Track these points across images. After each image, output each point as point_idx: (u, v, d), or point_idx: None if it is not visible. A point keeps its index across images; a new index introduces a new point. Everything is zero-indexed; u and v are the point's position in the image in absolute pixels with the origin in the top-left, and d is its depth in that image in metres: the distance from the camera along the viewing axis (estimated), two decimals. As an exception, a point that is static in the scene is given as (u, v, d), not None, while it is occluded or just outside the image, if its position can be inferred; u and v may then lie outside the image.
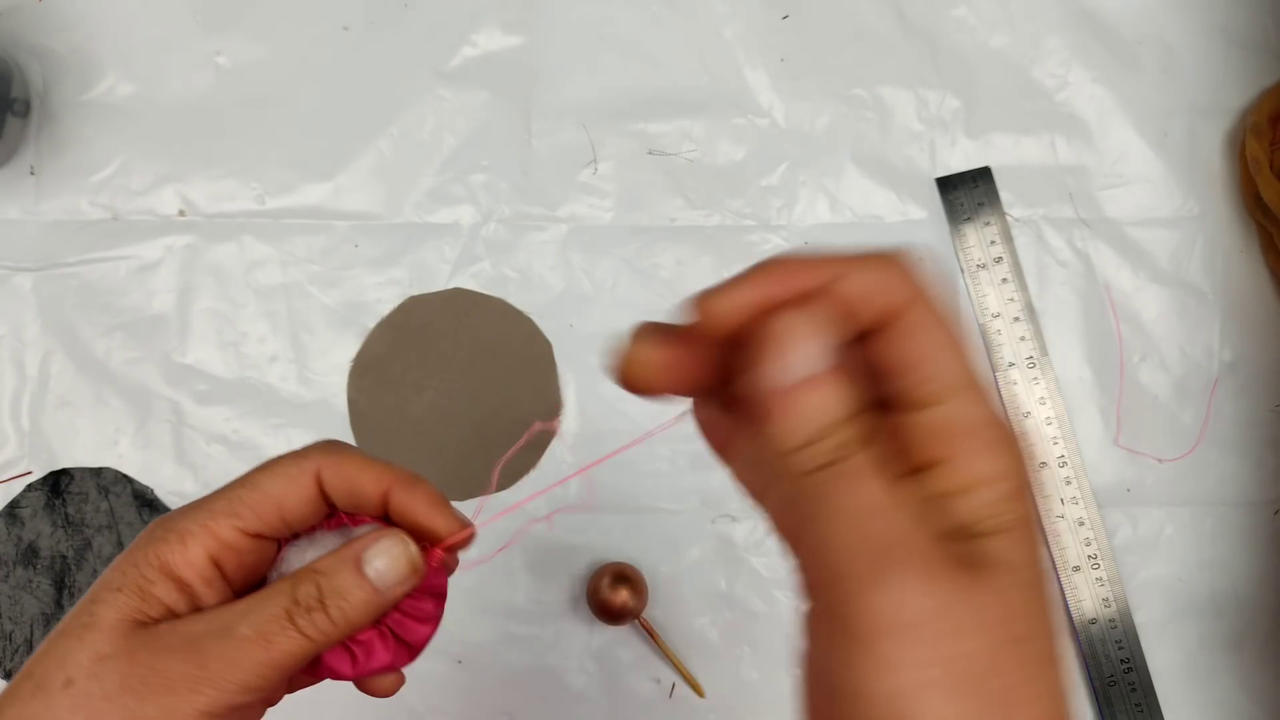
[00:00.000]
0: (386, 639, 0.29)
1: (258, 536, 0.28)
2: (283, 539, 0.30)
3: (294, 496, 0.28)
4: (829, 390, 0.22)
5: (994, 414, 0.23)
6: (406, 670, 0.30)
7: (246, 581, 0.29)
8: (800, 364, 0.22)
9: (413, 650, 0.29)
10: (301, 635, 0.26)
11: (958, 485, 0.23)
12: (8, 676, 0.56)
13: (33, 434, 0.57)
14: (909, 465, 0.23)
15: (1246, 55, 0.58)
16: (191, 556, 0.27)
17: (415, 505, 0.28)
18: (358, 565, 0.27)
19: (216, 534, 0.28)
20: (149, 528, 0.28)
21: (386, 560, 0.27)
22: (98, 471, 0.57)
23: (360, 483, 0.28)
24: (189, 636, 0.26)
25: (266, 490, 0.28)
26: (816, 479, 0.22)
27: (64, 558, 0.56)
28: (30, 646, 0.56)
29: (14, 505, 0.57)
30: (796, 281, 0.23)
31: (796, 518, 0.23)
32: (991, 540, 0.22)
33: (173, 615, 0.27)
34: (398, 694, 0.55)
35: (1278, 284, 0.58)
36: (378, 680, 0.30)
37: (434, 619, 0.29)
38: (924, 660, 0.21)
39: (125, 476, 0.57)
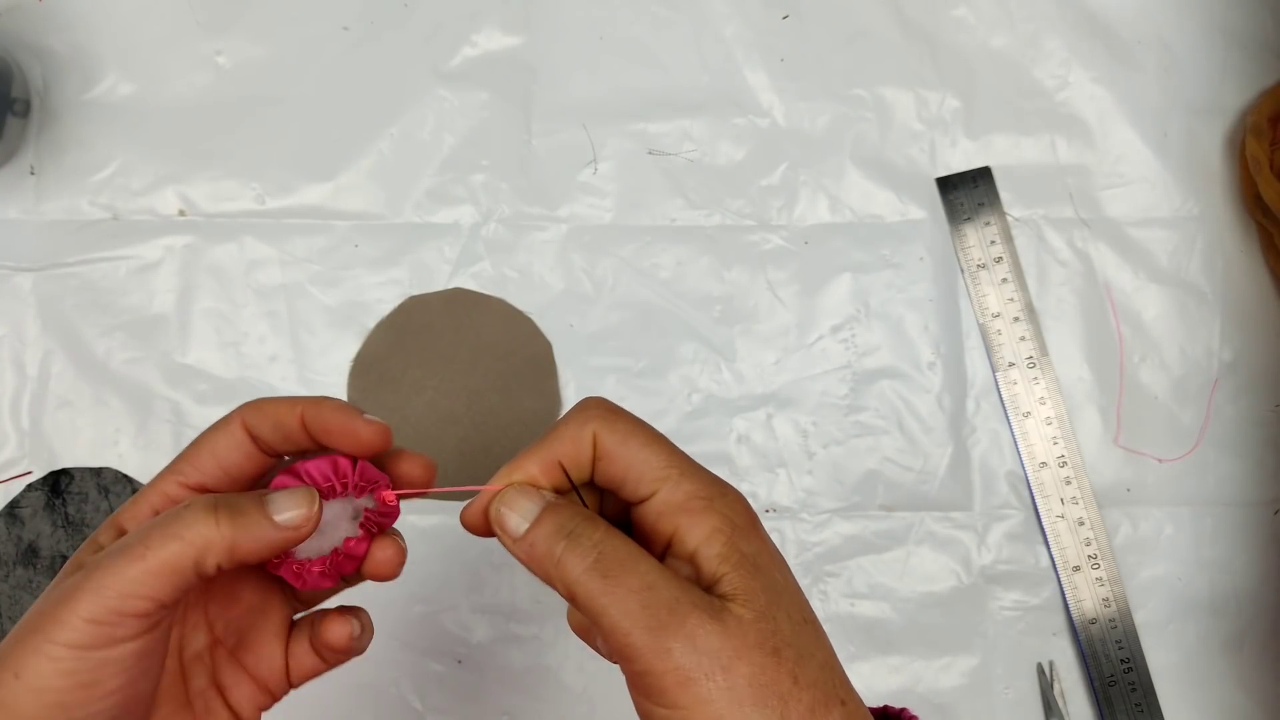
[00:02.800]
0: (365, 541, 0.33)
1: (199, 488, 0.32)
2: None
3: (224, 445, 0.32)
4: (550, 519, 0.30)
5: (696, 486, 0.30)
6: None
7: None
8: (519, 517, 0.30)
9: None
10: (180, 540, 0.29)
11: (689, 551, 0.29)
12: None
13: (33, 434, 0.57)
14: (660, 546, 0.30)
15: (1246, 55, 0.58)
16: (138, 512, 0.32)
17: (326, 417, 0.32)
18: (259, 499, 0.31)
19: (162, 491, 0.32)
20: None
21: (289, 504, 0.31)
22: (98, 471, 0.57)
23: (279, 416, 0.32)
24: (95, 560, 0.29)
25: (200, 447, 0.32)
26: (593, 574, 0.28)
27: (64, 558, 0.56)
28: (30, 646, 0.56)
29: (14, 505, 0.57)
30: (530, 470, 0.31)
31: (593, 611, 0.28)
32: (722, 583, 0.29)
33: None
34: (398, 694, 0.55)
35: (1278, 284, 0.58)
36: (380, 563, 0.33)
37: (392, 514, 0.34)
38: (709, 696, 0.27)
39: (125, 476, 0.57)
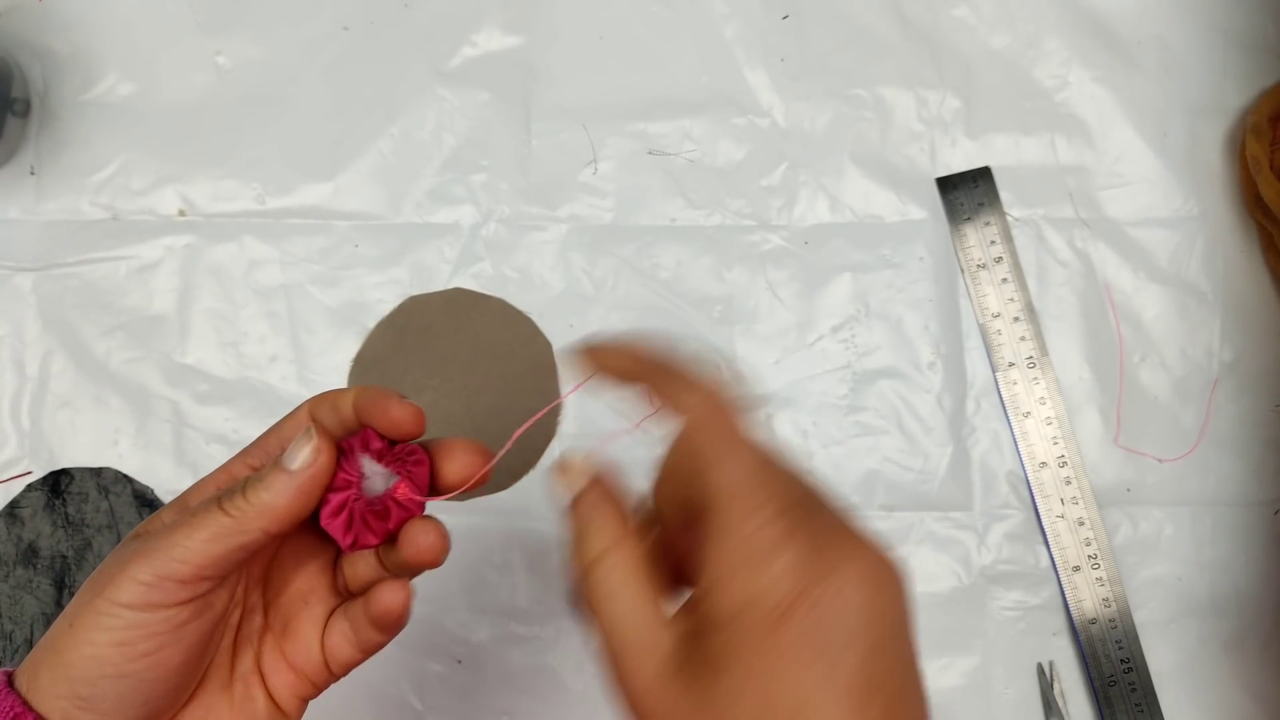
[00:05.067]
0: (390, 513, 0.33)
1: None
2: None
3: (290, 431, 0.34)
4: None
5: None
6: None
7: None
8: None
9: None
10: (223, 513, 0.31)
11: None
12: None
13: (33, 434, 0.57)
14: None
15: (1246, 55, 0.58)
16: (203, 490, 0.33)
17: (367, 397, 0.33)
18: (278, 461, 0.32)
19: (229, 471, 0.34)
20: None
21: (295, 450, 0.32)
22: (98, 471, 0.57)
23: (336, 401, 0.34)
24: (155, 529, 0.32)
25: (269, 434, 0.35)
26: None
27: (64, 558, 0.56)
28: (30, 646, 0.56)
29: (14, 505, 0.57)
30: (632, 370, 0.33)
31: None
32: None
33: None
34: (398, 693, 0.55)
35: (1278, 284, 0.58)
36: (421, 549, 0.33)
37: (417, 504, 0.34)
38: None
39: (125, 476, 0.57)
